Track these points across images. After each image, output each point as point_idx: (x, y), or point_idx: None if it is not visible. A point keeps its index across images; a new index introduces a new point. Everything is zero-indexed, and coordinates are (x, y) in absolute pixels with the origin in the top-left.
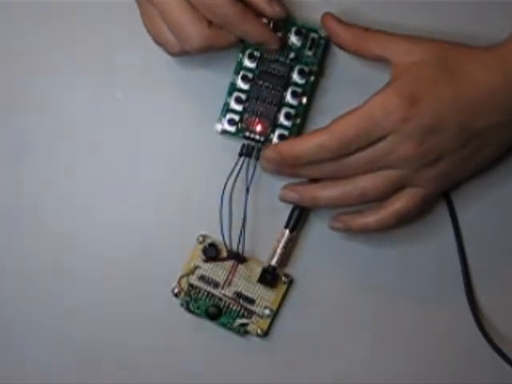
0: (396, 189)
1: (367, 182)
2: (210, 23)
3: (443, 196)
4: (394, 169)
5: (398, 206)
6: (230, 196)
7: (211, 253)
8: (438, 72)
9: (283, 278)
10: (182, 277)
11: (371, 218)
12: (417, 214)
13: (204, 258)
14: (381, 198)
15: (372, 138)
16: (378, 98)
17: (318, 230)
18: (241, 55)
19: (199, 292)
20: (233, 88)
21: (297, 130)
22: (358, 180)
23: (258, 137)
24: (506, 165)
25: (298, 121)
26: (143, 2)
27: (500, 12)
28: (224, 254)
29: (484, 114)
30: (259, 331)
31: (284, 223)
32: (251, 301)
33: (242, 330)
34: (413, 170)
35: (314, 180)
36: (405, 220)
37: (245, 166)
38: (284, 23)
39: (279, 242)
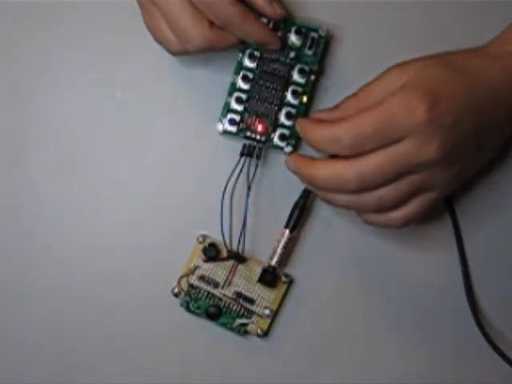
0: (412, 195)
1: (385, 191)
2: (211, 24)
3: (444, 198)
4: (415, 174)
5: (408, 211)
6: (231, 196)
7: (211, 253)
8: (446, 71)
9: (283, 278)
10: (181, 277)
11: (378, 217)
12: (423, 216)
13: (204, 258)
14: (397, 206)
15: (389, 139)
16: (397, 98)
17: (318, 230)
18: (241, 55)
19: (199, 292)
20: (233, 88)
21: None
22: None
23: (258, 137)
24: (506, 167)
25: None
26: (145, 2)
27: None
28: (224, 254)
29: (489, 110)
30: (259, 331)
31: (284, 223)
32: (251, 301)
33: (242, 330)
34: (432, 173)
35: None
36: (411, 223)
37: (246, 166)
38: (284, 23)
39: (279, 242)
